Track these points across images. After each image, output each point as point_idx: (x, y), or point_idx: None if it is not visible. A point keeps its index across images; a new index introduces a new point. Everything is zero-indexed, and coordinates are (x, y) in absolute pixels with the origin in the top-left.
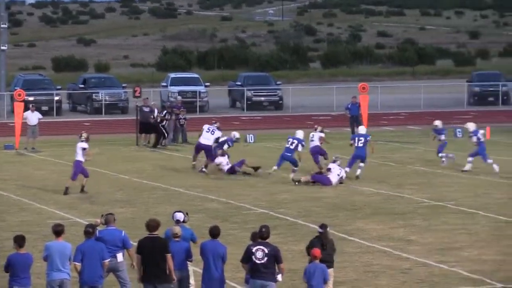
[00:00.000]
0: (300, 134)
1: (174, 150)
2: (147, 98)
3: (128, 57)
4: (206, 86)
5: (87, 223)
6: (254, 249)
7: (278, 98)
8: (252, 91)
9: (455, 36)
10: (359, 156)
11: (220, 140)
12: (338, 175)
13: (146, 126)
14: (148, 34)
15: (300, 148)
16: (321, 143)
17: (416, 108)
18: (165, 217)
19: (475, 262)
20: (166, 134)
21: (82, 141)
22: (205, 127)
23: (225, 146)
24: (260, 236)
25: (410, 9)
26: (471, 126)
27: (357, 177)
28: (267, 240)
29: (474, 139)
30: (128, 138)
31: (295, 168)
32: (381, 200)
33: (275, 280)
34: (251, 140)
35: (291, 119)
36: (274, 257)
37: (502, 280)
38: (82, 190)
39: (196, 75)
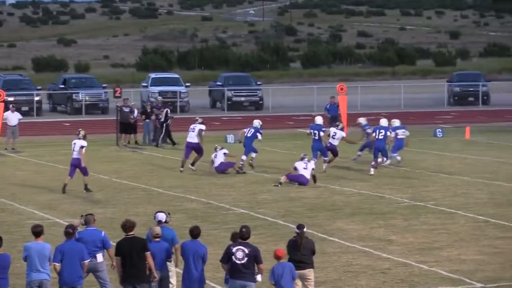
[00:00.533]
0: (319, 120)
1: (154, 150)
2: (127, 98)
3: (108, 57)
4: (186, 86)
5: (67, 223)
6: (234, 249)
7: (258, 98)
8: (233, 91)
9: (435, 36)
10: (379, 148)
11: (247, 133)
12: (305, 168)
13: (126, 126)
14: (128, 34)
15: (322, 134)
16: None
17: (397, 108)
18: (145, 218)
19: (454, 262)
20: (169, 133)
21: (79, 138)
22: (190, 127)
23: (260, 136)
24: (241, 236)
25: (391, 9)
26: (396, 122)
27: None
28: (247, 241)
29: (393, 134)
30: (108, 139)
31: (326, 159)
32: (361, 200)
33: (255, 281)
34: (232, 140)
35: (272, 119)
36: (254, 257)
37: (481, 280)
38: (63, 189)
39: (176, 75)
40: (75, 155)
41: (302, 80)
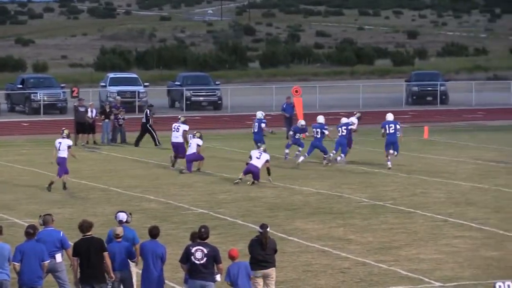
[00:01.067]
0: (321, 119)
1: (112, 150)
2: (83, 98)
3: (66, 57)
4: (145, 86)
5: (26, 224)
6: (193, 250)
7: (217, 98)
8: (191, 91)
9: (393, 36)
10: (392, 142)
11: (254, 128)
12: (258, 158)
13: (83, 126)
14: (86, 34)
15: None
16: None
17: (355, 108)
18: (103, 218)
19: (413, 261)
20: (155, 133)
21: (63, 137)
22: (173, 126)
23: (263, 125)
24: (199, 236)
25: (349, 9)
26: (320, 119)
27: (389, 168)
28: (206, 241)
29: (313, 131)
30: None
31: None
32: (320, 199)
33: (214, 280)
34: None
35: (230, 119)
36: (213, 257)
37: (440, 279)
38: (64, 186)
39: (135, 75)
40: (60, 154)
41: (261, 80)
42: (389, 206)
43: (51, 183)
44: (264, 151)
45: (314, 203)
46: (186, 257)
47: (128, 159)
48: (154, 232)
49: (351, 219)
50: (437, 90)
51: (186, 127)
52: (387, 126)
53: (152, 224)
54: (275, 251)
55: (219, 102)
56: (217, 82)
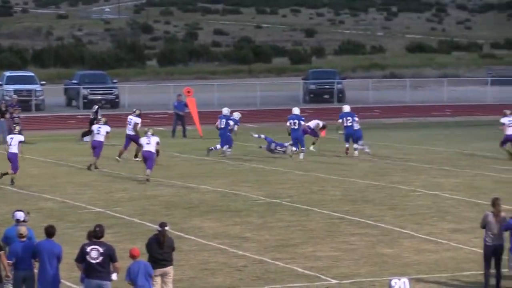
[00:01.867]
0: (297, 110)
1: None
2: None
3: None
4: (42, 84)
5: None
6: (88, 249)
7: (114, 96)
8: (88, 90)
9: (291, 34)
10: (350, 134)
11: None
12: (148, 143)
13: None
14: None
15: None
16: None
17: (253, 106)
18: None
19: (309, 259)
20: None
21: (15, 133)
22: (128, 119)
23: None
24: (94, 235)
25: (246, 8)
26: (296, 110)
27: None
28: (101, 239)
29: (291, 123)
30: None
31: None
32: (217, 197)
33: (111, 279)
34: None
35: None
36: (109, 256)
37: (337, 276)
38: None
39: (31, 74)
40: (11, 149)
41: (159, 78)
42: (286, 204)
43: (9, 179)
44: (152, 134)
45: (211, 201)
46: (82, 256)
47: (25, 157)
48: (50, 231)
49: (248, 217)
50: (334, 88)
51: (139, 120)
52: (344, 118)
53: (49, 223)
54: (173, 249)
55: (117, 100)
56: (114, 80)
